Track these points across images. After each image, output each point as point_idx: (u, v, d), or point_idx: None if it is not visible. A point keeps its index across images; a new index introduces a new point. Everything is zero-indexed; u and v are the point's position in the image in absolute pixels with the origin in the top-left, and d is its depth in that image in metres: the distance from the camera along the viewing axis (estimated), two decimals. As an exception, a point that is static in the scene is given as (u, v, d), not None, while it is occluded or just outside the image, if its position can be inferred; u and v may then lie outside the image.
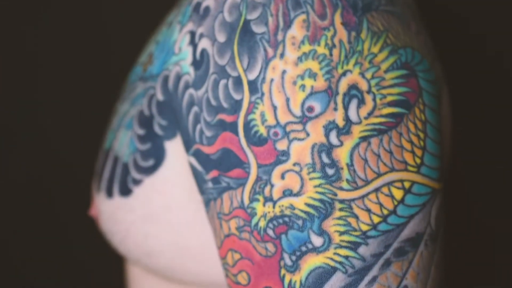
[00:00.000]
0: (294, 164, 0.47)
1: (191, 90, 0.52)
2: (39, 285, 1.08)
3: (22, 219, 1.08)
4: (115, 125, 0.63)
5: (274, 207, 0.47)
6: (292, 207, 0.47)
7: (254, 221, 0.48)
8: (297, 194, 0.47)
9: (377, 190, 0.47)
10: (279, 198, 0.47)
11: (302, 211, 0.47)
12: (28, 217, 1.07)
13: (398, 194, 0.47)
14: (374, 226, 0.47)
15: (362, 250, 0.46)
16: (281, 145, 0.47)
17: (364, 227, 0.46)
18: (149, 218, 0.59)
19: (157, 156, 0.57)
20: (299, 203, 0.47)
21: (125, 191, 0.60)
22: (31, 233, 1.08)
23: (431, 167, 0.49)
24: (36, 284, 1.08)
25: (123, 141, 0.60)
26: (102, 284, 0.99)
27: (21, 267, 1.08)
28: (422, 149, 0.48)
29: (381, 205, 0.47)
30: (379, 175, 0.47)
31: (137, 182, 0.59)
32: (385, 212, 0.47)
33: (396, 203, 0.47)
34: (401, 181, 0.47)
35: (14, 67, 1.03)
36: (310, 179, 0.47)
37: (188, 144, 0.53)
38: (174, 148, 0.56)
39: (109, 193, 0.61)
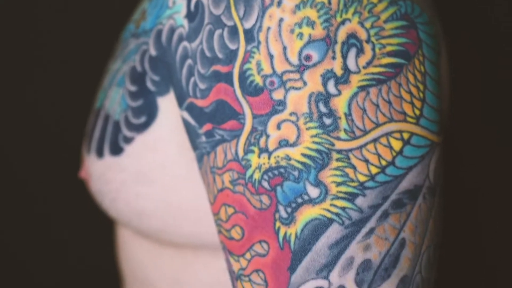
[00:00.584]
0: (291, 114, 0.46)
1: (185, 43, 0.51)
2: (27, 251, 1.06)
3: (10, 185, 1.06)
4: (107, 84, 0.62)
5: (269, 158, 0.46)
6: (288, 157, 0.46)
7: (248, 173, 0.47)
8: (293, 145, 0.46)
9: (375, 140, 0.46)
10: (275, 149, 0.46)
11: (298, 161, 0.46)
12: (17, 183, 1.06)
13: (396, 145, 0.46)
14: (372, 177, 0.46)
15: (359, 201, 0.45)
16: (278, 95, 0.46)
17: (362, 178, 0.45)
18: (141, 177, 0.58)
19: (149, 113, 0.56)
20: (295, 153, 0.46)
21: (116, 150, 0.58)
22: (20, 199, 1.06)
23: (430, 120, 0.48)
24: (25, 251, 1.06)
25: (115, 99, 0.59)
26: (93, 249, 0.97)
27: (9, 232, 1.07)
28: (421, 100, 0.47)
29: (379, 155, 0.46)
30: (377, 125, 0.46)
31: (128, 140, 0.57)
32: (384, 163, 0.46)
33: (394, 154, 0.46)
34: (400, 132, 0.46)
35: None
36: (307, 129, 0.46)
37: (181, 99, 0.52)
38: (166, 104, 0.55)
39: (100, 153, 0.60)
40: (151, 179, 0.57)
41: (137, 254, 0.67)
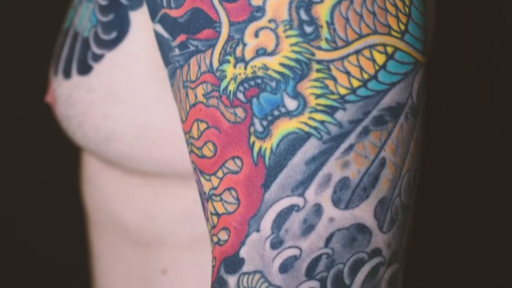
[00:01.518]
0: (270, 21, 0.43)
1: None
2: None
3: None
4: (77, 1, 0.58)
5: (245, 68, 0.44)
6: (265, 67, 0.43)
7: (223, 85, 0.44)
8: (272, 54, 0.43)
9: (357, 52, 0.43)
10: (252, 58, 0.43)
11: (276, 71, 0.43)
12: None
13: (380, 58, 0.44)
14: (353, 91, 0.43)
15: (339, 115, 0.43)
16: (256, 0, 0.43)
17: (343, 91, 0.43)
18: (110, 98, 0.55)
19: (120, 28, 0.53)
20: (273, 63, 0.43)
21: (85, 69, 0.56)
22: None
23: (415, 37, 0.45)
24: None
25: (84, 15, 0.56)
26: (59, 177, 0.94)
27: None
28: (407, 16, 0.45)
29: (361, 68, 0.43)
30: (360, 36, 0.43)
31: (97, 57, 0.54)
32: (366, 76, 0.43)
33: (377, 68, 0.44)
34: (384, 45, 0.44)
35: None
36: (286, 37, 0.43)
37: (154, 11, 0.49)
38: (139, 18, 0.52)
39: (67, 74, 0.57)
40: (120, 99, 0.55)
41: (105, 186, 0.64)
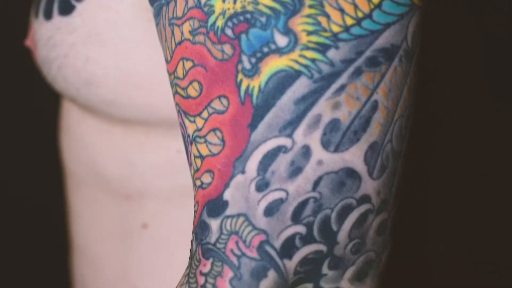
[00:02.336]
0: None
1: None
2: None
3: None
4: None
5: (235, 2, 0.42)
6: (255, 2, 0.41)
7: (211, 20, 0.42)
8: None
9: None
10: None
11: (266, 6, 0.41)
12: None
13: None
14: (346, 29, 0.41)
15: (331, 53, 0.41)
16: None
17: (336, 28, 0.41)
18: (92, 39, 0.53)
19: None
20: None
21: (67, 9, 0.53)
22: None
23: None
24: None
25: None
26: (39, 124, 0.90)
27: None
28: None
29: (356, 6, 0.42)
30: None
31: None
32: (360, 14, 0.42)
33: (372, 6, 0.42)
34: None
35: None
36: None
37: None
38: None
39: (48, 14, 0.55)
40: (102, 41, 0.53)
41: (85, 136, 0.62)
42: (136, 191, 0.60)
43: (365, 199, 0.42)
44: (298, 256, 0.42)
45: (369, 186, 0.42)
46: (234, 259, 0.42)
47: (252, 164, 0.42)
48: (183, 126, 0.45)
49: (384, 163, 0.43)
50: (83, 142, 0.63)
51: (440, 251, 0.89)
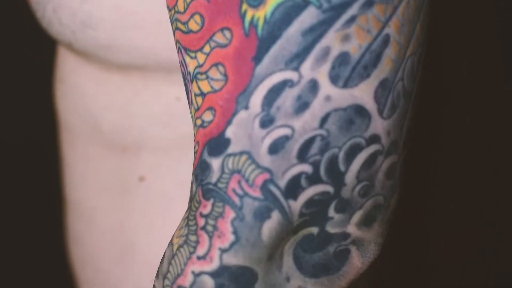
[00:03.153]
0: None
1: None
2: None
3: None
4: None
5: None
6: None
7: None
8: None
9: None
10: None
11: None
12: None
13: None
14: None
15: None
16: None
17: None
18: None
19: None
20: None
21: None
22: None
23: None
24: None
25: None
26: (32, 78, 0.88)
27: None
28: None
29: None
30: None
31: None
32: None
33: None
34: None
35: None
36: None
37: None
38: None
39: None
40: None
41: (81, 86, 0.60)
42: (133, 142, 0.58)
43: (375, 139, 0.40)
44: (303, 196, 0.39)
45: (379, 125, 0.40)
46: (236, 199, 0.39)
47: (256, 99, 0.39)
48: (183, 64, 0.43)
49: (395, 102, 0.41)
50: (79, 92, 0.60)
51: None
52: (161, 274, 0.43)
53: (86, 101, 0.60)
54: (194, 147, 0.42)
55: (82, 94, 0.60)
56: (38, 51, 0.69)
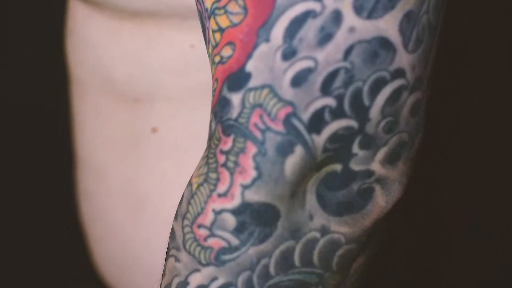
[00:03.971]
0: None
1: None
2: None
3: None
4: None
5: None
6: None
7: None
8: None
9: None
10: None
11: None
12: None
13: None
14: None
15: None
16: None
17: None
18: None
19: None
20: None
21: None
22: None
23: None
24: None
25: None
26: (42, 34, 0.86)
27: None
28: None
29: None
30: None
31: None
32: None
33: None
34: None
35: None
36: None
37: None
38: None
39: None
40: None
41: (92, 36, 0.59)
42: (145, 93, 0.57)
43: (400, 73, 0.39)
44: (327, 131, 0.38)
45: (403, 59, 0.39)
46: (258, 134, 0.38)
47: (278, 32, 0.38)
48: (200, 1, 0.42)
49: (420, 36, 0.40)
50: (90, 43, 0.59)
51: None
52: (180, 215, 0.42)
53: (97, 52, 0.58)
54: (213, 85, 0.41)
55: (93, 45, 0.59)
56: (48, 4, 0.67)
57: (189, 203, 0.41)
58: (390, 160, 0.40)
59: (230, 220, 0.39)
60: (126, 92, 0.58)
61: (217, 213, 0.39)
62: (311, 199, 0.40)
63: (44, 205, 0.78)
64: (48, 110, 0.76)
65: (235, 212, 0.39)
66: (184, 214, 0.41)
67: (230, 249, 0.39)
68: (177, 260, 0.42)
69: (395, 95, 0.39)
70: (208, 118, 0.44)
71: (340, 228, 0.40)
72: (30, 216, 0.79)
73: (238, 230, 0.39)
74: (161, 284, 0.44)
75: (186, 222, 0.41)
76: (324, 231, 0.40)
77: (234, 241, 0.39)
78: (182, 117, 0.57)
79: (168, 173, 0.58)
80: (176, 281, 0.42)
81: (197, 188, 0.41)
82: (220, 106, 0.40)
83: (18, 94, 0.79)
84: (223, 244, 0.39)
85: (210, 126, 0.41)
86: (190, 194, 0.41)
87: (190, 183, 0.42)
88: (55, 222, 0.77)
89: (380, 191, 0.41)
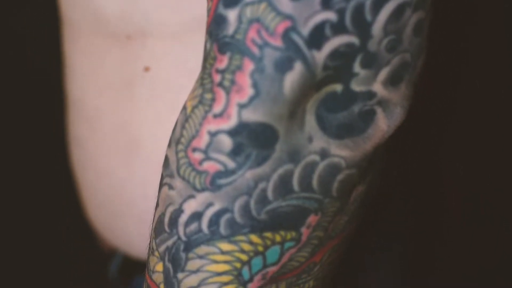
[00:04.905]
0: None
1: None
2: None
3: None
4: None
5: None
6: None
7: None
8: None
9: None
10: None
11: None
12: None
13: None
14: None
15: None
16: None
17: None
18: None
19: None
20: None
21: None
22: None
23: None
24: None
25: None
26: None
27: None
28: None
29: None
30: None
31: None
32: None
33: None
34: None
35: None
36: None
37: None
38: None
39: None
40: None
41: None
42: (137, 30, 0.55)
43: None
44: (327, 47, 0.37)
45: None
46: (255, 50, 0.37)
47: None
48: None
49: None
50: None
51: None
52: (173, 141, 0.40)
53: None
54: (208, 5, 0.40)
55: None
56: None
57: (183, 127, 0.39)
58: (392, 81, 0.39)
59: (226, 142, 0.38)
60: (118, 30, 0.56)
61: (213, 134, 0.38)
62: (310, 121, 0.38)
63: (35, 150, 0.77)
64: (40, 53, 0.74)
65: (232, 133, 0.37)
66: (178, 139, 0.40)
67: (226, 172, 0.38)
68: (170, 187, 0.40)
69: (398, 12, 0.38)
70: (201, 56, 0.42)
71: (341, 152, 0.39)
72: (21, 162, 0.77)
73: (234, 152, 0.38)
74: (154, 215, 0.42)
75: (180, 147, 0.39)
76: (324, 154, 0.38)
77: (231, 164, 0.38)
78: (175, 55, 0.55)
79: (162, 114, 0.56)
80: (170, 209, 0.40)
81: (192, 110, 0.39)
82: (215, 24, 0.38)
83: (9, 38, 0.77)
84: (219, 167, 0.38)
85: (205, 47, 0.39)
86: (184, 118, 0.39)
87: (184, 107, 0.40)
88: (47, 169, 0.76)
89: (381, 114, 0.39)
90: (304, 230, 0.39)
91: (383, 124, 0.39)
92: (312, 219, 0.39)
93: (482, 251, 0.78)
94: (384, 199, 0.62)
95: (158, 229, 0.41)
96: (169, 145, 0.41)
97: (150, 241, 0.42)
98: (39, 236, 0.77)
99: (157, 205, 0.42)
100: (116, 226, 0.62)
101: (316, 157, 0.38)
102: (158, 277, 0.41)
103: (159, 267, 0.41)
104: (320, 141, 0.38)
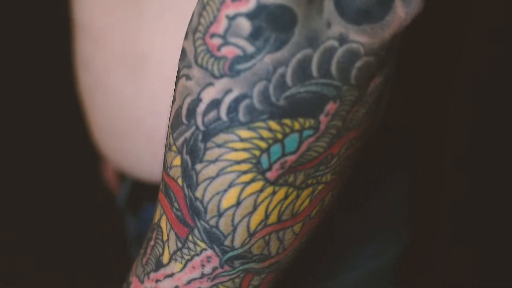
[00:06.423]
0: None
1: None
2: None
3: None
4: None
5: None
6: None
7: None
8: None
9: None
10: None
11: None
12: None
13: None
14: None
15: None
16: None
17: None
18: None
19: None
20: None
21: None
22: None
23: None
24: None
25: None
26: None
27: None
28: None
29: None
30: None
31: None
32: None
33: None
34: None
35: None
36: None
37: None
38: None
39: None
40: None
41: None
42: None
43: None
44: None
45: None
46: None
47: None
48: None
49: None
50: None
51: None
52: (190, 31, 0.40)
53: None
54: None
55: None
56: None
57: (200, 15, 0.39)
58: None
59: (245, 25, 0.37)
60: None
61: (231, 18, 0.38)
62: (329, 5, 0.38)
63: (45, 81, 0.76)
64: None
65: (250, 16, 0.37)
66: (196, 27, 0.39)
67: (245, 57, 0.38)
68: (188, 78, 0.40)
69: None
70: None
71: (359, 37, 0.39)
72: (29, 88, 0.77)
73: (253, 36, 0.37)
74: (170, 112, 0.42)
75: (197, 35, 0.39)
76: (342, 39, 0.38)
77: (249, 48, 0.38)
78: None
79: (170, 28, 0.55)
80: (187, 100, 0.40)
81: None
82: None
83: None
84: (238, 52, 0.38)
85: None
86: (201, 7, 0.39)
87: None
88: (55, 95, 0.75)
89: (400, 2, 0.39)
90: (322, 118, 0.39)
91: (401, 12, 0.39)
92: (330, 106, 0.39)
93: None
94: (391, 129, 0.62)
95: (175, 123, 0.41)
96: (186, 36, 0.40)
97: (166, 138, 0.42)
98: (47, 163, 0.77)
99: (174, 100, 0.42)
100: (125, 147, 0.61)
101: (334, 43, 0.38)
102: (176, 172, 0.41)
103: (177, 161, 0.41)
104: (338, 26, 0.38)
